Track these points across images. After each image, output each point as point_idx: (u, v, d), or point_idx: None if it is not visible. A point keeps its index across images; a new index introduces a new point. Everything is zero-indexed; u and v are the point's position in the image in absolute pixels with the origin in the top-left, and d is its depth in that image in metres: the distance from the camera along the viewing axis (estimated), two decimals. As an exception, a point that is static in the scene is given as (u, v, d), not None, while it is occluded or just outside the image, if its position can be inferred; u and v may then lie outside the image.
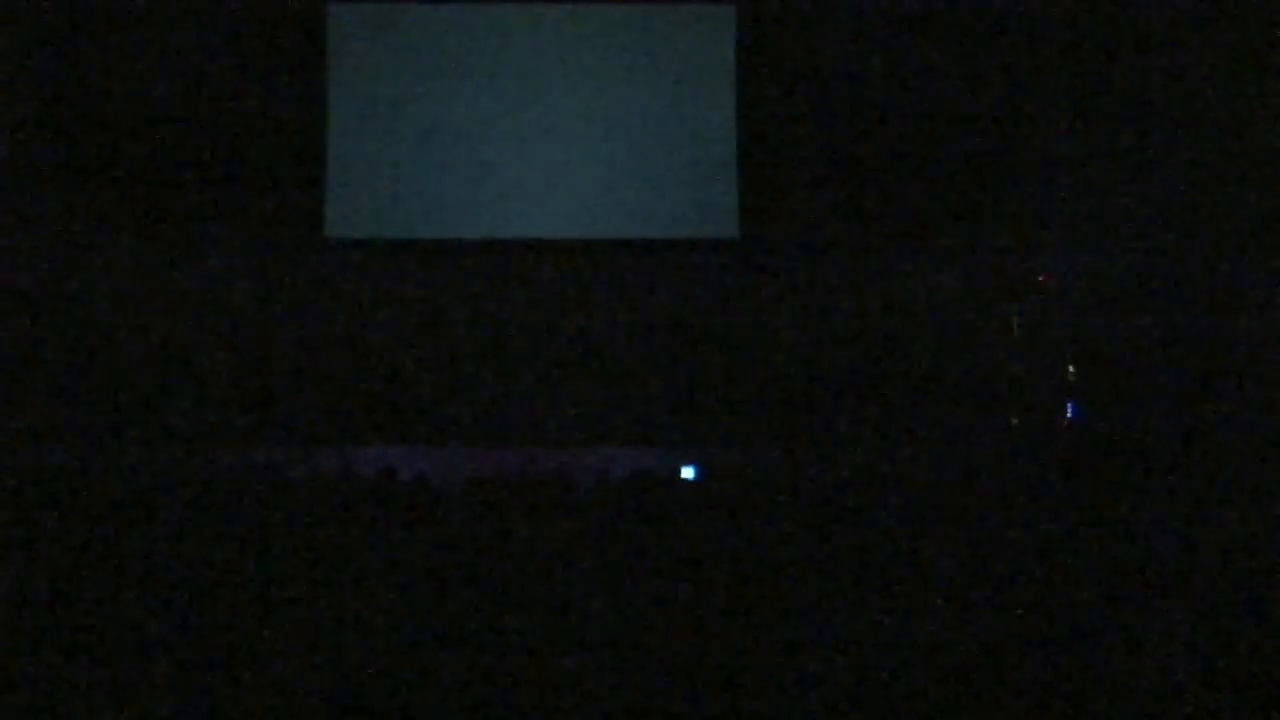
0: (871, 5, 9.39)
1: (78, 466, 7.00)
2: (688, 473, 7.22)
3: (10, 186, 9.19)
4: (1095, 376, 8.38)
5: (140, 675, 3.58)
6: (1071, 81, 8.95)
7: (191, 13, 9.36)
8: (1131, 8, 8.82)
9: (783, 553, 5.05)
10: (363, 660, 3.79)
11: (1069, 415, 8.16)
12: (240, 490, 6.22)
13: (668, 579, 4.71)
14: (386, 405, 9.00)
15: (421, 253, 9.41)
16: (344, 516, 5.64)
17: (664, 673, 3.77)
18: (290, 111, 9.34)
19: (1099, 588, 4.50)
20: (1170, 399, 8.10)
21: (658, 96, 9.46)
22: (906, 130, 9.29)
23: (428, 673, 3.71)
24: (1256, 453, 7.30)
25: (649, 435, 8.60)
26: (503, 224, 9.39)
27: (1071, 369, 8.33)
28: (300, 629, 4.11)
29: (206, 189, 9.22)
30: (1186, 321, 8.24)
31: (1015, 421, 8.36)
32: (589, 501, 6.17)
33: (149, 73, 9.36)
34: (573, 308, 9.38)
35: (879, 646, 3.91)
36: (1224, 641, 3.86)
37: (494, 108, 9.44)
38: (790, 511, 5.78)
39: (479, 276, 9.36)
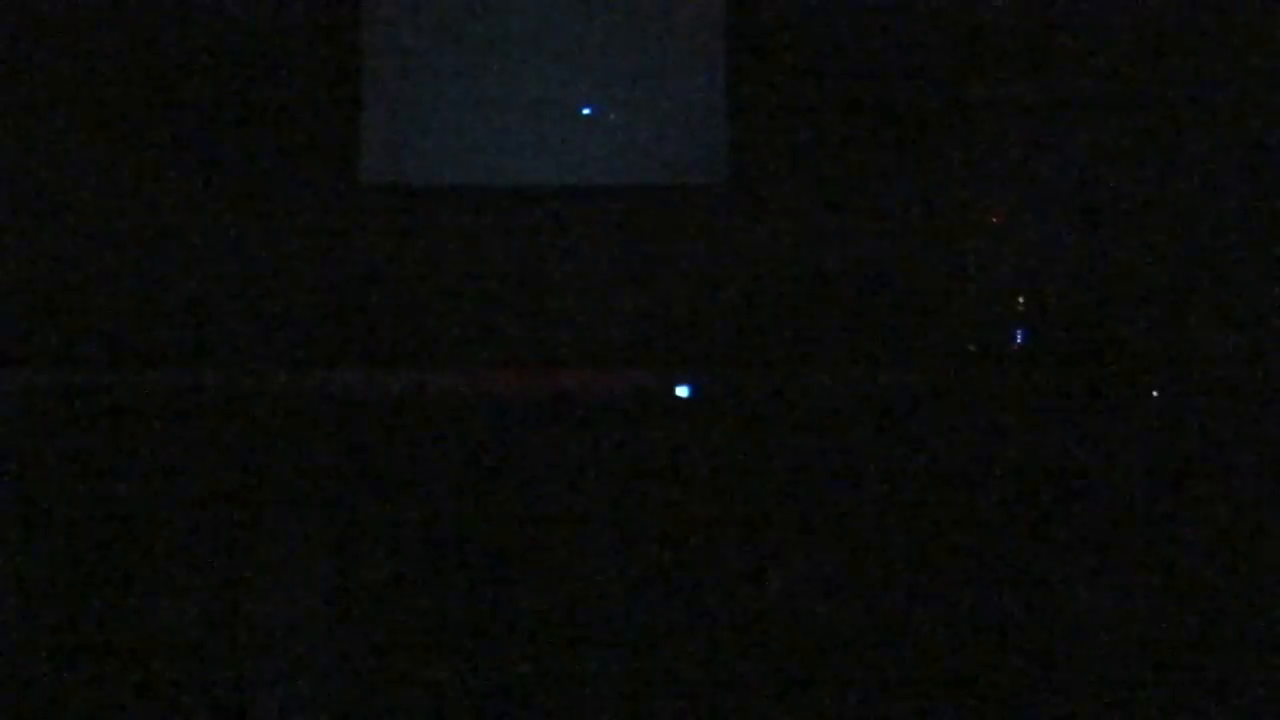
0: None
1: (125, 387, 7.36)
2: (682, 391, 7.61)
3: (52, 138, 9.55)
4: (1043, 308, 9.04)
5: (166, 591, 3.82)
6: (1026, 27, 9.44)
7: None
8: None
9: (766, 458, 5.77)
10: (387, 565, 4.21)
11: (1018, 341, 8.84)
12: (278, 404, 6.64)
13: (662, 479, 5.43)
14: (414, 332, 9.67)
15: (447, 197, 10.00)
16: (378, 425, 6.24)
17: (660, 571, 4.33)
18: (326, 66, 9.83)
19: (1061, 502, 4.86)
20: (1119, 329, 8.66)
21: (655, 58, 9.95)
22: (886, 80, 9.74)
23: (444, 575, 4.15)
24: (1207, 383, 7.50)
25: (648, 358, 9.28)
26: (513, 171, 9.97)
27: (1021, 300, 8.99)
28: (332, 526, 4.60)
29: (246, 138, 9.77)
30: (1132, 265, 8.78)
31: (972, 348, 9.10)
32: (595, 413, 6.66)
33: (186, 19, 9.61)
34: (577, 245, 9.93)
35: (861, 553, 4.30)
36: (1174, 562, 4.13)
37: (506, 66, 9.97)
38: (772, 424, 6.40)
39: (498, 218, 9.94)
